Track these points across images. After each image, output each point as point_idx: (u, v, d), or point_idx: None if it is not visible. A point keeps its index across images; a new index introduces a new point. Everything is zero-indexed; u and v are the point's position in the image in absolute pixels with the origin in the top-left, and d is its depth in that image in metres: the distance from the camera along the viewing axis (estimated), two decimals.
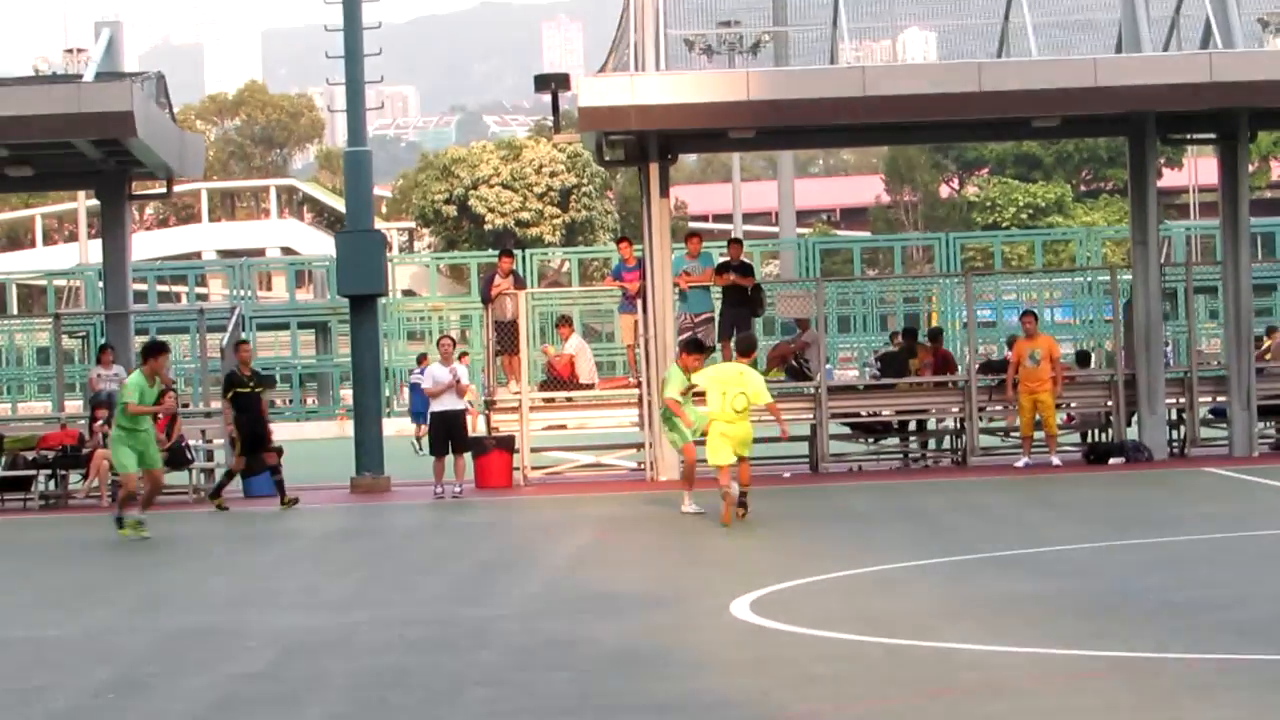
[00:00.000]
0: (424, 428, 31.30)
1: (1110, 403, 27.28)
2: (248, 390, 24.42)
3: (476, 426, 28.40)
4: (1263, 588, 12.89)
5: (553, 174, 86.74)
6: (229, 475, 24.71)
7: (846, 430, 28.64)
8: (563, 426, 27.78)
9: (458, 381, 24.86)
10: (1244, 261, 26.90)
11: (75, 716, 9.71)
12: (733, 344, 23.28)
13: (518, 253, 50.25)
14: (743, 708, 9.17)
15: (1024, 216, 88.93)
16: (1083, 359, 32.47)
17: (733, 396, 19.05)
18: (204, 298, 75.21)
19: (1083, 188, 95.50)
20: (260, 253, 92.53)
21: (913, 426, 29.06)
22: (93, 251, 66.18)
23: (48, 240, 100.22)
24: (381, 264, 29.18)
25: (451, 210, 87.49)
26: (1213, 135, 27.76)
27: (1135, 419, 27.46)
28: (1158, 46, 27.21)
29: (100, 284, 43.21)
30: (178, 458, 26.01)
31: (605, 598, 13.58)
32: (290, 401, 67.81)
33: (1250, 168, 35.80)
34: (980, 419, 27.18)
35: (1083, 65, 25.51)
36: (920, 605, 12.56)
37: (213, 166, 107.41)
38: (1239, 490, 22.16)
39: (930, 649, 10.65)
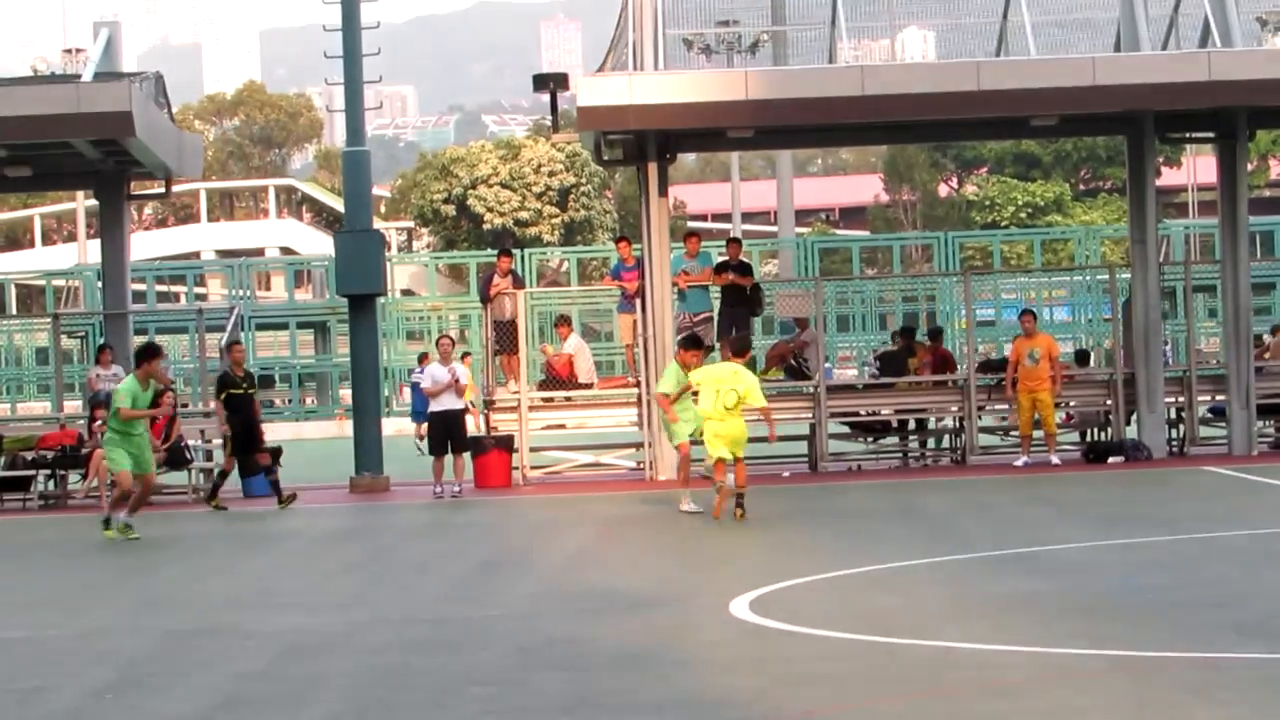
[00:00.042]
0: (423, 427, 31.29)
1: (1109, 402, 27.29)
2: (241, 391, 24.43)
3: (480, 426, 28.39)
4: (1262, 586, 12.89)
5: (551, 173, 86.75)
6: (222, 476, 24.70)
7: (846, 429, 28.64)
8: (562, 426, 27.78)
9: (456, 381, 24.86)
10: (1243, 260, 26.91)
11: (75, 716, 9.71)
12: (727, 344, 23.29)
13: (516, 252, 50.25)
14: (742, 707, 9.17)
15: (1023, 215, 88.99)
16: (1082, 358, 32.48)
17: (724, 394, 19.13)
18: (203, 298, 75.24)
19: (1081, 187, 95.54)
20: (259, 253, 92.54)
21: (912, 425, 29.06)
22: (91, 251, 66.17)
23: (46, 240, 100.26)
24: (380, 264, 29.18)
25: (450, 210, 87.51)
26: (1211, 134, 27.77)
27: (1134, 418, 27.46)
28: (1156, 45, 27.22)
29: (99, 284, 43.22)
30: (177, 458, 26.02)
31: (604, 597, 13.58)
32: (289, 401, 67.81)
33: (1249, 166, 35.79)
34: (980, 418, 27.17)
35: (1081, 64, 25.52)
36: (919, 604, 12.57)
37: (211, 166, 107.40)
38: (1238, 489, 22.15)
39: (930, 648, 10.65)
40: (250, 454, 24.53)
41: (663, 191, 26.70)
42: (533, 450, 26.88)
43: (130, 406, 20.02)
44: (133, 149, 26.80)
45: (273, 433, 50.27)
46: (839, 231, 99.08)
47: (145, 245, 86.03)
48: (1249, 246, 27.74)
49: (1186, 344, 29.65)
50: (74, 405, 38.72)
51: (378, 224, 42.89)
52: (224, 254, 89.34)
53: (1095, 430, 28.37)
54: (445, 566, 16.52)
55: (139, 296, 57.83)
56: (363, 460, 27.57)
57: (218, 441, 26.59)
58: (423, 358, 39.84)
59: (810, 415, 26.83)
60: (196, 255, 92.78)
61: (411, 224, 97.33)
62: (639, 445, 26.85)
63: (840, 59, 26.95)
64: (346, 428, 36.26)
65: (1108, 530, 17.12)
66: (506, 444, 26.23)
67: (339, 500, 26.00)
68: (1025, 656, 10.31)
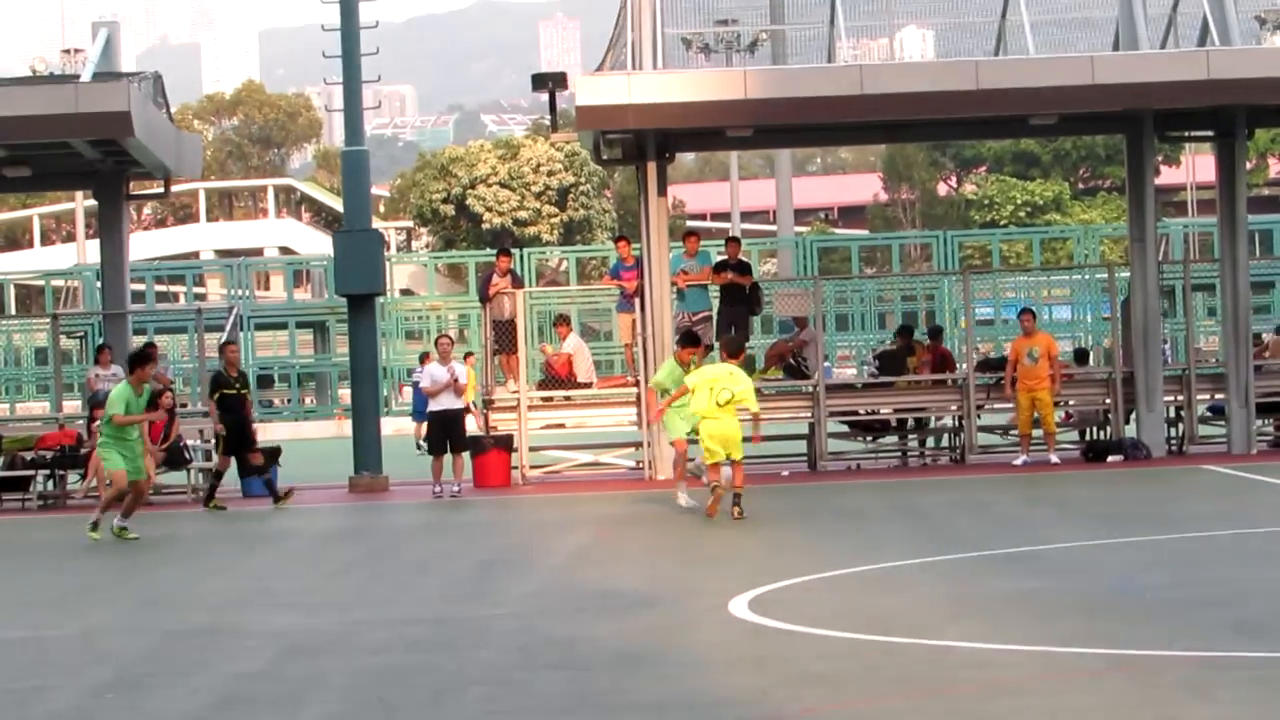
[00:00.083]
0: (423, 427, 31.30)
1: (1108, 400, 27.29)
2: (234, 391, 24.43)
3: (481, 426, 28.40)
4: (1261, 585, 12.88)
5: (550, 173, 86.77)
6: (217, 477, 24.69)
7: (845, 428, 28.63)
8: (561, 425, 27.79)
9: (455, 381, 24.86)
10: (1242, 259, 26.91)
11: (75, 716, 9.71)
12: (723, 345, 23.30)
13: (515, 252, 50.24)
14: (741, 706, 9.17)
15: (1022, 214, 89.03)
16: (1081, 357, 32.46)
17: (718, 391, 19.18)
18: (202, 297, 75.26)
19: (1080, 185, 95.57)
20: (258, 252, 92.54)
21: (911, 425, 29.06)
22: (90, 251, 66.14)
23: (45, 240, 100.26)
24: (379, 263, 29.19)
25: (449, 209, 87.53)
26: (1210, 132, 27.77)
27: (1133, 417, 27.45)
28: (1155, 44, 27.22)
29: (98, 284, 43.20)
30: (176, 458, 26.02)
31: (604, 596, 13.58)
32: (288, 401, 67.81)
33: (1248, 165, 35.78)
34: (979, 416, 27.17)
35: (1080, 63, 25.52)
36: (919, 603, 12.57)
37: (210, 166, 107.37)
38: (1237, 487, 22.16)
39: (929, 647, 10.65)
40: (243, 453, 24.53)
41: (662, 191, 26.70)
42: (532, 450, 26.88)
43: (123, 413, 19.99)
44: (131, 149, 26.80)
45: (272, 433, 50.49)
46: (838, 231, 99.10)
47: (144, 245, 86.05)
48: (1248, 245, 27.73)
49: (1186, 343, 29.65)
50: (73, 405, 38.71)
51: (377, 224, 42.89)
52: (223, 254, 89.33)
53: (1094, 429, 28.37)
54: (444, 566, 16.52)
55: (138, 296, 57.83)
56: (362, 460, 27.58)
57: None
58: (424, 357, 39.87)
59: (809, 414, 26.84)
60: (195, 255, 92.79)
61: (410, 224, 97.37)
62: (638, 445, 26.85)
63: (839, 58, 26.94)
64: (345, 427, 36.26)
65: (1107, 529, 17.12)
66: (506, 443, 26.23)
67: (338, 500, 26.01)
68: (1024, 655, 10.31)
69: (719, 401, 19.19)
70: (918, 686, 9.52)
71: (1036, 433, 26.36)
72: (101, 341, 31.28)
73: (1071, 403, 28.38)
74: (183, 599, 14.76)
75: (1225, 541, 15.97)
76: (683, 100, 25.22)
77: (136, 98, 25.96)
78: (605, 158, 28.06)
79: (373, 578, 16.01)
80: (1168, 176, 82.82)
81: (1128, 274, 28.09)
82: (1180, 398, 27.48)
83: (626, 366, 29.45)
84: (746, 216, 79.90)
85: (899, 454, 28.70)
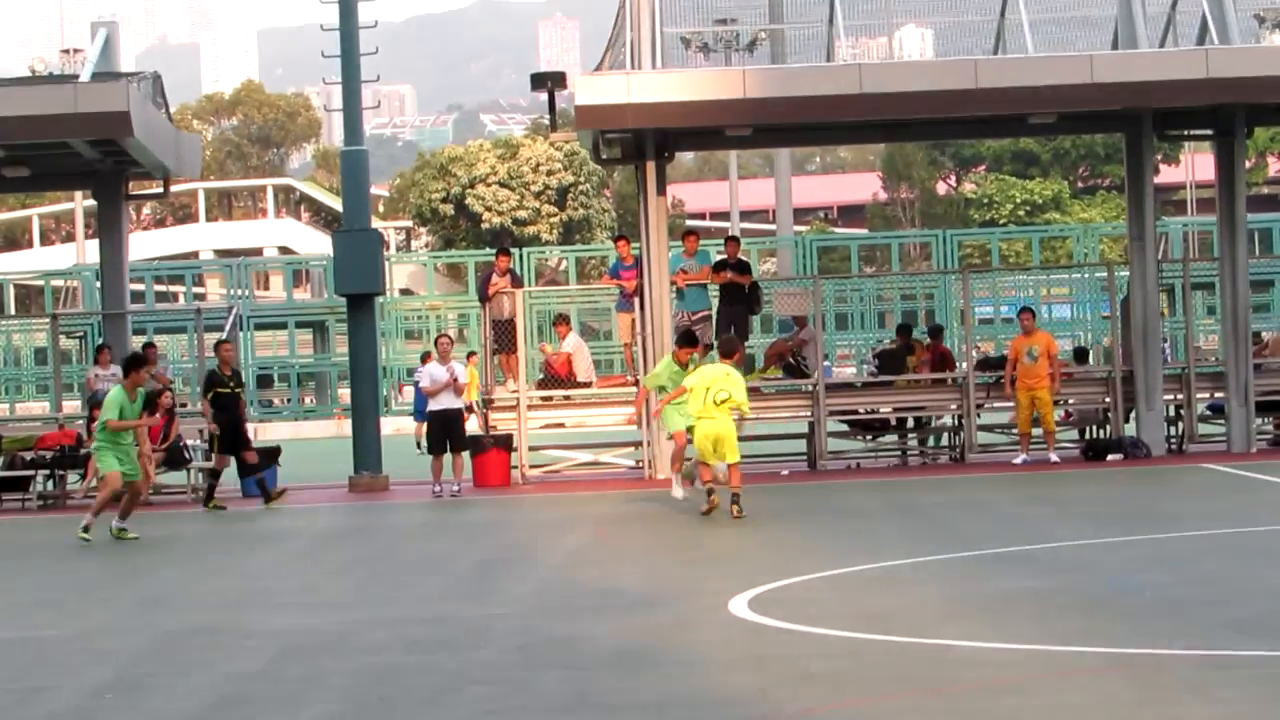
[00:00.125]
0: (423, 427, 31.29)
1: (1108, 399, 27.29)
2: (228, 390, 24.42)
3: (481, 425, 28.39)
4: (1261, 584, 12.88)
5: (550, 172, 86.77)
6: (214, 477, 24.68)
7: (844, 427, 28.63)
8: (560, 425, 27.78)
9: (455, 380, 24.85)
10: (1241, 257, 26.91)
11: (75, 716, 9.71)
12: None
13: (515, 251, 50.24)
14: (741, 705, 9.17)
15: (1021, 213, 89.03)
16: (1080, 355, 32.44)
17: (715, 391, 19.20)
18: (201, 297, 75.29)
19: (1080, 184, 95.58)
20: (258, 252, 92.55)
21: (911, 424, 29.06)
22: (90, 251, 66.11)
23: (45, 240, 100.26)
24: (379, 263, 29.18)
25: (449, 209, 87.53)
26: (1210, 131, 27.77)
27: (1133, 415, 27.46)
28: (1154, 43, 27.22)
29: (97, 284, 43.17)
30: (176, 458, 26.01)
31: (603, 596, 13.58)
32: (288, 401, 67.82)
33: (1247, 163, 35.80)
34: (978, 415, 27.17)
35: (1079, 62, 25.52)
36: (918, 602, 12.57)
37: (210, 166, 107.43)
38: (1237, 486, 22.16)
39: (929, 646, 10.65)
40: (236, 452, 24.52)
41: (661, 190, 26.70)
42: (532, 449, 26.88)
43: (118, 417, 19.96)
44: (131, 149, 26.79)
45: (272, 432, 50.52)
46: (837, 230, 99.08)
47: (144, 245, 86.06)
48: (1247, 244, 27.74)
49: (1185, 341, 29.64)
50: (72, 405, 38.70)
51: (376, 223, 42.84)
52: (222, 254, 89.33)
53: (1094, 428, 28.37)
54: (444, 565, 16.51)
55: (137, 296, 57.83)
56: (361, 459, 27.58)
57: None
58: (425, 357, 39.87)
59: (809, 413, 26.84)
60: (195, 255, 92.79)
61: (410, 223, 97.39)
62: (638, 444, 26.85)
63: (838, 57, 26.95)
64: (345, 427, 36.27)
65: (1106, 528, 17.11)
66: (505, 443, 26.23)
67: (338, 499, 26.00)
68: (1024, 654, 10.30)
69: (715, 400, 19.22)
70: (918, 685, 9.52)
71: (1036, 432, 26.36)
72: (101, 341, 31.26)
73: (1071, 401, 28.38)
74: (182, 599, 14.76)
75: (1225, 540, 15.96)
76: (682, 100, 25.21)
77: (136, 98, 25.96)
78: (604, 157, 28.06)
79: (372, 577, 16.01)
80: (1167, 175, 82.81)
81: (1127, 273, 28.09)
82: (1180, 396, 27.48)
83: (626, 366, 29.46)
84: (746, 216, 79.90)
85: (899, 453, 28.69)
